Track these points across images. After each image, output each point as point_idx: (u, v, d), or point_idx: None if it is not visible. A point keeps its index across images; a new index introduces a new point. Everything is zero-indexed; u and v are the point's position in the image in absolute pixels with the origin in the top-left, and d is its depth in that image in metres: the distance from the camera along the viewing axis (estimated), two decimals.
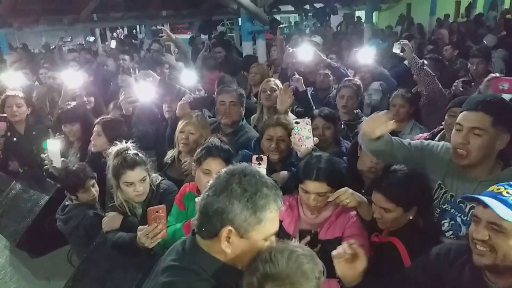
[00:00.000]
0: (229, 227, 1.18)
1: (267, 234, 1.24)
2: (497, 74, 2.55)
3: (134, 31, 17.91)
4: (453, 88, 3.73)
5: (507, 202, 1.27)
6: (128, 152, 2.29)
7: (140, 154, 2.33)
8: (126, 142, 2.38)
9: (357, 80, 3.76)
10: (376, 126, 1.82)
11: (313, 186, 1.93)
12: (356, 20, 14.93)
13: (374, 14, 13.68)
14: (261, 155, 2.29)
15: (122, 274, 2.21)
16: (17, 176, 3.66)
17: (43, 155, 3.03)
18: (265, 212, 1.21)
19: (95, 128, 2.93)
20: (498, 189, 1.32)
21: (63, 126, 3.27)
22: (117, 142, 2.40)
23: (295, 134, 2.32)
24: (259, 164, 2.24)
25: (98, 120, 3.00)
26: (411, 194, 1.74)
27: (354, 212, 2.01)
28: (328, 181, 1.93)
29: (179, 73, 4.50)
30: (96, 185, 2.73)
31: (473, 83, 3.80)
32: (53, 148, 2.94)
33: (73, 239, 2.79)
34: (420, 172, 1.84)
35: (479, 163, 1.70)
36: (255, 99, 4.09)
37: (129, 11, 9.48)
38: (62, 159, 3.02)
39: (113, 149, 2.34)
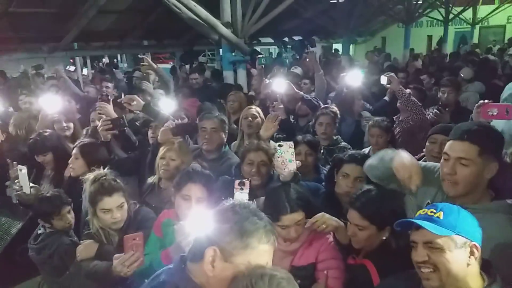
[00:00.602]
0: (214, 247, 1.20)
1: (252, 262, 1.22)
2: (486, 101, 2.60)
3: (115, 60, 17.94)
4: (428, 115, 3.86)
5: (433, 219, 1.35)
6: (106, 177, 2.25)
7: (118, 180, 2.29)
8: (104, 168, 2.35)
9: (334, 107, 3.87)
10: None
11: (290, 219, 1.91)
12: (334, 52, 15.42)
13: (351, 47, 14.18)
14: (244, 180, 2.29)
15: None
16: None
17: (10, 182, 2.96)
18: (252, 238, 1.21)
19: (73, 151, 2.88)
20: (423, 211, 1.41)
21: (35, 157, 3.22)
22: (94, 168, 2.36)
23: (278, 157, 2.34)
24: (242, 189, 2.25)
25: (76, 143, 2.97)
26: (385, 212, 1.77)
27: (328, 236, 2.01)
28: (303, 208, 1.93)
29: (158, 100, 4.52)
30: (72, 211, 2.65)
31: (446, 109, 3.94)
32: (23, 173, 2.88)
33: (46, 269, 2.66)
34: (396, 192, 1.87)
35: (468, 193, 1.69)
36: (234, 126, 4.14)
37: (110, 40, 9.54)
38: (32, 185, 2.95)
39: (90, 175, 2.30)
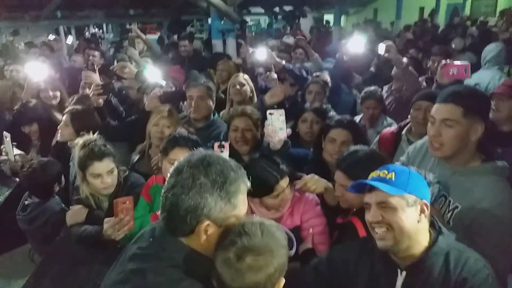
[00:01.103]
0: (207, 222, 1.17)
1: (241, 215, 1.24)
2: (448, 60, 2.66)
3: (101, 30, 17.47)
4: None
5: (386, 180, 1.39)
6: (96, 143, 2.23)
7: (108, 145, 2.27)
8: (93, 134, 2.32)
9: (325, 76, 3.83)
10: None
11: (280, 187, 1.90)
12: (324, 23, 15.20)
13: (342, 18, 13.97)
14: (223, 142, 2.29)
15: (87, 269, 2.14)
16: None
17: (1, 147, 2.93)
18: (237, 196, 1.21)
19: (63, 118, 2.84)
20: (376, 173, 1.44)
21: (21, 127, 3.17)
22: (83, 133, 2.33)
23: (268, 125, 2.32)
24: (221, 151, 2.25)
25: (67, 109, 2.93)
26: (370, 172, 1.78)
27: (309, 196, 2.04)
28: (289, 175, 1.94)
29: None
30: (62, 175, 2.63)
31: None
32: (8, 141, 2.90)
33: (38, 238, 2.67)
34: (376, 152, 1.91)
35: (455, 155, 1.71)
36: (222, 95, 4.09)
37: (96, 9, 9.25)
38: (18, 153, 2.93)
39: (80, 140, 2.27)
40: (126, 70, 3.15)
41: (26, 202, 2.59)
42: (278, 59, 3.78)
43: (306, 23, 14.90)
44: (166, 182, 1.23)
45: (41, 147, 3.30)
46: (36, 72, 3.62)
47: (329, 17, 16.60)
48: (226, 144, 2.28)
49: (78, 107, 2.94)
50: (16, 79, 4.14)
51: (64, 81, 4.21)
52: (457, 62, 2.65)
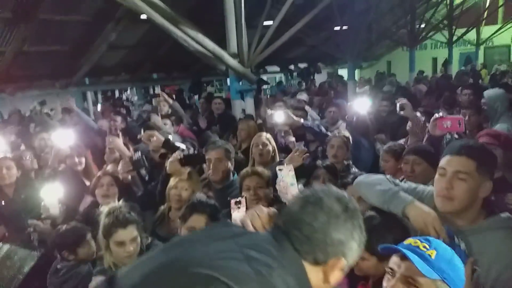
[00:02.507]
0: (341, 260, 1.17)
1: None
2: (441, 114, 2.68)
3: (126, 92, 18.31)
4: None
5: (425, 256, 1.28)
6: (121, 209, 2.26)
7: (132, 213, 2.29)
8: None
9: (346, 133, 3.84)
10: None
11: None
12: (337, 76, 15.57)
13: (356, 71, 14.31)
14: (239, 199, 2.24)
15: None
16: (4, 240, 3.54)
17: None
18: (361, 246, 1.23)
19: (106, 180, 2.95)
20: (415, 242, 1.34)
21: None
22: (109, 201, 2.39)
23: (280, 182, 2.34)
24: (238, 208, 2.20)
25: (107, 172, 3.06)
26: (385, 242, 1.65)
27: None
28: None
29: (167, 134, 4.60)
30: (92, 239, 2.65)
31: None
32: (50, 194, 2.91)
33: None
34: (396, 220, 1.77)
35: (463, 211, 1.64)
36: (241, 156, 4.15)
37: (121, 74, 9.78)
38: (60, 205, 2.96)
39: (105, 208, 2.31)
40: (154, 139, 3.24)
41: (58, 266, 2.60)
42: (296, 118, 3.87)
43: (321, 79, 15.33)
44: (302, 204, 1.21)
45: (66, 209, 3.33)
46: (62, 139, 3.77)
47: (343, 71, 17.05)
48: (243, 200, 2.24)
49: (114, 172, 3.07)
50: (43, 147, 4.30)
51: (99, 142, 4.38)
52: (451, 115, 2.70)
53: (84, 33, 7.58)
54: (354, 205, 1.22)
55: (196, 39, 5.31)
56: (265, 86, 6.06)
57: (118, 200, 2.85)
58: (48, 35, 7.13)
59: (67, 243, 2.55)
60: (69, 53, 7.92)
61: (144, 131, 3.42)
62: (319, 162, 3.02)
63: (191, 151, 4.13)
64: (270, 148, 3.44)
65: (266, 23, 6.76)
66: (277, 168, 2.39)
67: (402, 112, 3.52)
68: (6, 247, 3.34)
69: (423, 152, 2.67)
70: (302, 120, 3.90)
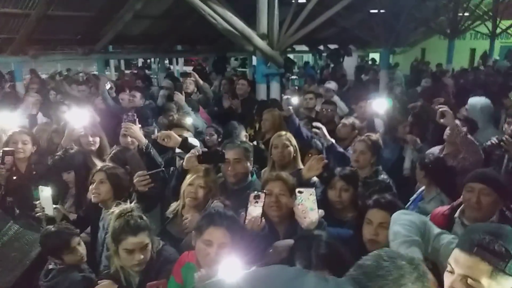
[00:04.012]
0: None
1: None
2: None
3: (149, 60, 18.14)
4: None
5: None
6: (132, 214, 2.09)
7: (144, 218, 2.13)
8: (131, 202, 2.20)
9: (375, 136, 3.55)
10: None
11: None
12: (371, 62, 14.96)
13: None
14: (259, 193, 2.17)
15: None
16: (14, 215, 3.46)
17: (35, 202, 2.84)
18: None
19: (98, 175, 2.75)
20: None
21: (64, 174, 3.14)
22: (120, 199, 2.21)
23: (298, 205, 2.15)
24: (256, 202, 2.14)
25: (101, 166, 2.86)
26: None
27: None
28: (329, 267, 1.71)
29: (187, 115, 4.41)
30: (82, 243, 2.48)
31: None
32: (45, 194, 2.78)
33: None
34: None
35: None
36: (263, 146, 3.92)
37: (144, 44, 9.55)
38: (55, 206, 2.84)
39: (115, 210, 2.14)
40: (171, 140, 3.08)
41: (50, 266, 2.45)
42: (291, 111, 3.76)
43: (351, 61, 14.77)
44: (375, 258, 1.28)
45: (76, 197, 3.23)
46: (77, 118, 3.61)
47: (374, 55, 16.37)
48: (262, 195, 2.16)
49: (112, 165, 2.85)
50: (57, 123, 4.16)
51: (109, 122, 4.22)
52: None
53: (109, 0, 7.32)
54: (424, 268, 1.27)
55: (224, 17, 5.00)
56: (293, 77, 5.73)
57: (114, 198, 2.68)
58: (73, 1, 6.91)
59: (50, 248, 2.38)
60: (94, 19, 7.71)
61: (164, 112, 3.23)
62: (337, 169, 2.80)
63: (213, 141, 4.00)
64: (292, 149, 3.20)
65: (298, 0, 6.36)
66: (297, 190, 2.20)
67: (442, 120, 3.20)
68: (15, 227, 3.23)
69: (493, 181, 2.28)
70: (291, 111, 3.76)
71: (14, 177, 3.48)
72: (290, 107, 3.84)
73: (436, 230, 1.78)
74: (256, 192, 2.20)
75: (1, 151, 3.27)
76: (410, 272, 1.21)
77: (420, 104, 5.25)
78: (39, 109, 5.26)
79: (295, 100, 3.90)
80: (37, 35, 7.35)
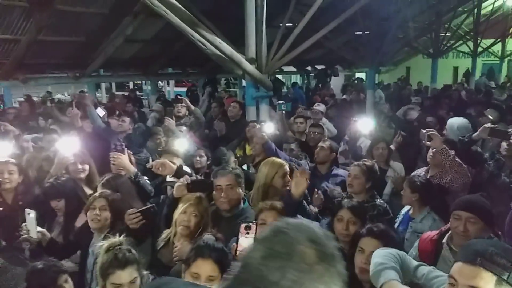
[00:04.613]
0: None
1: None
2: None
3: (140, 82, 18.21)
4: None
5: None
6: (121, 247, 2.07)
7: (133, 251, 2.11)
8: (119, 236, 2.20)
9: (370, 161, 3.54)
10: None
11: None
12: (356, 81, 15.23)
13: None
14: (250, 224, 2.13)
15: None
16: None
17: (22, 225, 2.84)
18: None
19: (99, 201, 2.78)
20: None
21: (50, 202, 3.15)
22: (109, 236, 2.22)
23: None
24: (247, 233, 2.10)
25: (102, 192, 2.90)
26: None
27: None
28: None
29: (176, 138, 4.45)
30: (69, 280, 2.41)
31: None
32: (31, 217, 2.81)
33: None
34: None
35: None
36: (253, 169, 3.96)
37: (135, 67, 9.63)
38: (39, 229, 2.84)
39: (104, 243, 2.14)
40: (166, 169, 3.10)
41: None
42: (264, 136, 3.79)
43: (338, 81, 15.05)
44: (264, 250, 0.94)
45: (64, 224, 3.23)
46: (67, 145, 3.63)
47: (360, 74, 16.69)
48: (253, 226, 2.13)
49: (111, 192, 2.89)
50: (46, 151, 4.16)
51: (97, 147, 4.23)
52: None
53: (100, 25, 7.44)
54: (332, 247, 0.96)
55: (213, 43, 5.10)
56: (280, 101, 5.83)
57: (111, 225, 2.71)
58: (64, 26, 7.01)
59: (36, 285, 2.26)
60: (84, 44, 7.79)
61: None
62: (345, 201, 2.74)
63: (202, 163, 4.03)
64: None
65: (286, 24, 6.51)
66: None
67: (429, 143, 3.29)
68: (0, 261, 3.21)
69: (480, 210, 2.31)
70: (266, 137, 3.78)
71: (0, 208, 3.45)
72: (264, 134, 3.82)
73: (414, 262, 1.82)
74: (247, 222, 2.18)
75: None
76: (311, 269, 0.93)
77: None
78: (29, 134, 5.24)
79: (269, 127, 4.00)
80: (28, 59, 7.38)
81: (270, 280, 0.88)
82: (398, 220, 3.29)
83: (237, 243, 2.15)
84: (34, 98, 9.35)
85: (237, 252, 2.11)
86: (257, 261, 0.92)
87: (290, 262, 0.90)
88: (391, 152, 4.21)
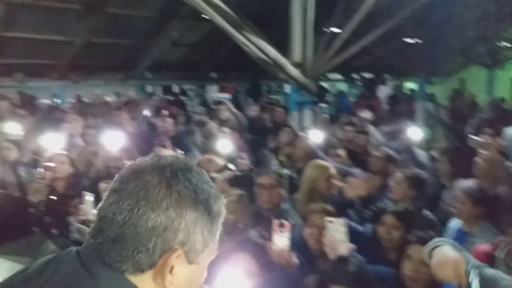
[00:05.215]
0: (178, 252, 0.79)
1: (213, 254, 0.88)
2: None
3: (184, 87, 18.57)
4: None
5: None
6: None
7: None
8: None
9: (415, 169, 3.34)
10: None
11: None
12: (403, 91, 14.64)
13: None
14: (283, 221, 2.03)
15: None
16: (51, 235, 3.50)
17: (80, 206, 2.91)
18: (218, 222, 0.86)
19: None
20: None
21: (101, 183, 3.17)
22: None
23: (327, 236, 2.09)
24: (281, 231, 2.00)
25: None
26: None
27: None
28: None
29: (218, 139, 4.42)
30: None
31: None
32: (89, 200, 2.90)
33: None
34: None
35: None
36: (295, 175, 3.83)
37: (180, 71, 9.80)
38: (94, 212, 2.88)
39: None
40: (212, 165, 3.10)
41: None
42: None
43: (386, 90, 14.53)
44: (107, 194, 0.83)
45: None
46: (112, 140, 3.68)
47: (410, 85, 16.05)
48: (287, 224, 2.02)
49: None
50: (93, 145, 4.26)
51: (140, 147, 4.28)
52: None
53: (148, 28, 7.62)
54: (178, 164, 0.84)
55: (258, 46, 5.04)
56: (323, 105, 5.70)
57: None
58: (114, 28, 7.23)
59: None
60: (133, 46, 8.02)
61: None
62: (388, 205, 2.67)
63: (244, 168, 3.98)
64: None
65: (331, 29, 6.36)
66: (326, 219, 2.14)
67: (485, 153, 3.02)
68: (51, 247, 3.26)
69: None
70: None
71: (53, 197, 3.58)
72: (309, 140, 3.83)
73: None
74: (280, 220, 2.10)
75: (42, 166, 3.46)
76: (147, 194, 0.79)
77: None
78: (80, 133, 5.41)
79: (316, 134, 3.92)
80: (79, 61, 7.70)
81: (108, 217, 0.79)
82: (447, 234, 3.04)
83: (271, 240, 2.08)
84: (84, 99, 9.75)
85: (273, 252, 2.02)
86: (101, 206, 0.84)
87: (126, 193, 0.80)
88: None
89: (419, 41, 9.30)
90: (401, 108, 9.65)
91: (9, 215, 3.75)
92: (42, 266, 0.83)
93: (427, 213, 3.04)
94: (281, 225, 2.02)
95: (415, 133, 4.40)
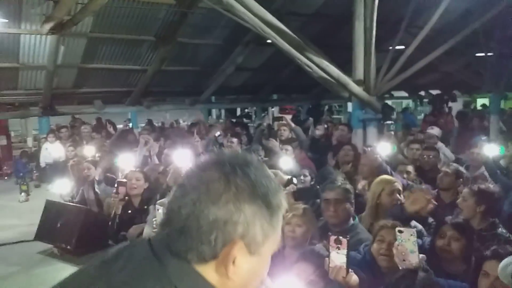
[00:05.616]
0: (240, 243, 0.82)
1: (275, 246, 0.89)
2: None
3: (246, 110, 19.10)
4: None
5: None
6: None
7: None
8: None
9: (486, 184, 3.14)
10: None
11: None
12: (480, 108, 13.77)
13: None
14: (341, 238, 1.94)
15: None
16: None
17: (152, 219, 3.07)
18: (278, 214, 0.88)
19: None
20: None
21: None
22: None
23: (398, 246, 2.01)
24: (338, 248, 1.92)
25: None
26: None
27: None
28: None
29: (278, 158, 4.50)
30: None
31: None
32: (161, 212, 2.94)
33: None
34: None
35: None
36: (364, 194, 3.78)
37: (243, 94, 10.15)
38: None
39: None
40: (277, 179, 3.16)
41: None
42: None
43: (456, 107, 13.78)
44: (175, 189, 0.89)
45: None
46: (181, 158, 3.91)
47: (483, 100, 15.11)
48: (344, 241, 1.94)
49: None
50: (165, 164, 4.55)
51: None
52: None
53: (214, 55, 8.04)
54: (237, 160, 0.86)
55: (320, 66, 5.12)
56: (388, 122, 5.52)
57: None
58: (183, 57, 7.75)
59: None
60: (200, 73, 8.49)
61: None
62: (448, 217, 2.55)
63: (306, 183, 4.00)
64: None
65: (396, 47, 6.28)
66: (397, 229, 2.06)
67: None
68: None
69: None
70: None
71: (129, 211, 3.87)
72: (377, 155, 3.69)
73: None
74: (336, 236, 2.00)
75: (116, 181, 3.71)
76: (208, 188, 0.83)
77: None
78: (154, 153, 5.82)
79: (384, 148, 3.80)
80: (151, 87, 8.31)
81: (174, 209, 0.84)
82: None
83: (329, 258, 1.98)
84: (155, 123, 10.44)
85: (329, 269, 1.93)
86: (170, 199, 0.87)
87: (190, 186, 0.84)
88: None
89: (490, 54, 8.79)
90: (472, 124, 9.12)
91: (90, 229, 4.13)
92: (119, 251, 0.92)
93: (502, 231, 2.84)
94: (338, 241, 1.96)
95: (491, 149, 4.08)
